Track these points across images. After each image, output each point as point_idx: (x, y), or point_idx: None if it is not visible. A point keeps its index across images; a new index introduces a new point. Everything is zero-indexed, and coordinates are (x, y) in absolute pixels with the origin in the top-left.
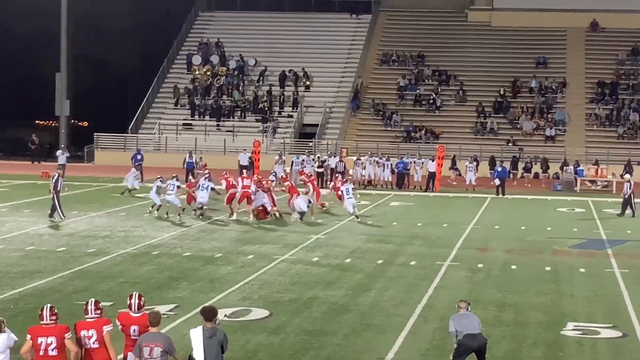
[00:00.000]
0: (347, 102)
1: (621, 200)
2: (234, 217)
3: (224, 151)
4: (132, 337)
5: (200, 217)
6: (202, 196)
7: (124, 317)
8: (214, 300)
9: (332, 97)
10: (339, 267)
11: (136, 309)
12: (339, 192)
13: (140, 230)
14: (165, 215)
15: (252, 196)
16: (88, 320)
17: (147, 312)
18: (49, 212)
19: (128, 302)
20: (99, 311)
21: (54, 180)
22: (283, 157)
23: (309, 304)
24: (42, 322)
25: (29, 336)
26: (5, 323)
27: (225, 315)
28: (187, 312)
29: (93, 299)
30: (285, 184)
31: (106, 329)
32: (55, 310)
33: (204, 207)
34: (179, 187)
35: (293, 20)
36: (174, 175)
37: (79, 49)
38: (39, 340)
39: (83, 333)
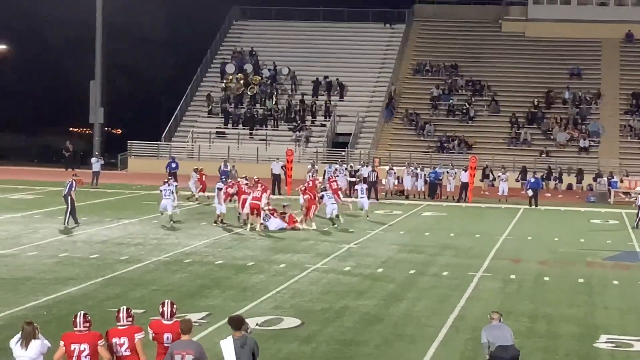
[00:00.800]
0: (380, 112)
1: None
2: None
3: (256, 160)
4: (165, 345)
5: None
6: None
7: (156, 325)
8: (245, 309)
9: (365, 106)
10: (371, 277)
11: (169, 317)
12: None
13: (172, 237)
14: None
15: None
16: (120, 327)
17: (179, 319)
18: (68, 218)
19: (160, 310)
20: (130, 319)
21: (67, 186)
22: (315, 166)
23: (341, 313)
24: (75, 329)
25: (62, 343)
26: (39, 329)
27: (257, 324)
28: (219, 320)
29: (125, 307)
30: (305, 196)
31: (138, 336)
32: (89, 317)
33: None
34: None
35: (327, 30)
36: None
37: (113, 57)
38: (72, 347)
39: (115, 340)
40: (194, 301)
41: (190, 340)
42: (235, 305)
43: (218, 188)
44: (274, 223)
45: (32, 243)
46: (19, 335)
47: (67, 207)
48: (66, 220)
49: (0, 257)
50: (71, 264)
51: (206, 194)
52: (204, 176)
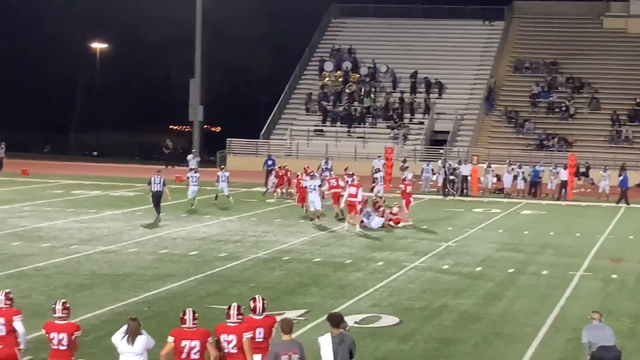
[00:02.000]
0: (479, 110)
1: None
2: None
3: (354, 157)
4: (257, 340)
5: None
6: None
7: (247, 320)
8: (343, 307)
9: (463, 104)
10: (470, 276)
11: (260, 312)
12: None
13: (271, 235)
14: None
15: (358, 207)
16: (229, 324)
17: (270, 314)
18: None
19: (252, 305)
20: (240, 316)
21: (161, 182)
22: (405, 164)
23: (439, 311)
24: (184, 326)
25: (171, 338)
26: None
27: (355, 322)
28: (317, 318)
29: (236, 304)
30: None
31: (246, 335)
32: (197, 315)
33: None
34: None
35: (425, 27)
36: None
37: (212, 55)
38: (183, 343)
39: (223, 337)
40: (292, 298)
41: (292, 340)
42: (333, 303)
43: (312, 186)
44: (376, 221)
45: (132, 240)
46: (122, 331)
47: (158, 203)
48: (156, 213)
49: (101, 254)
50: (171, 260)
51: (282, 189)
52: (288, 172)
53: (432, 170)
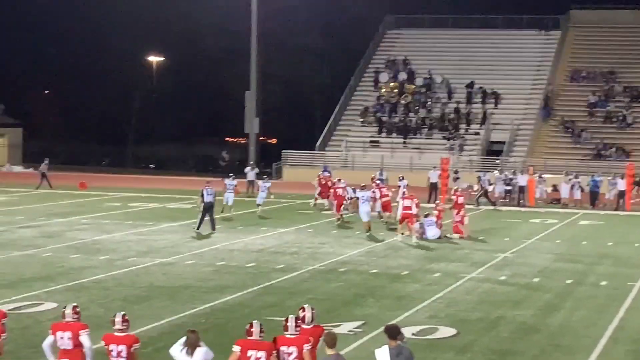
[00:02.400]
0: (535, 120)
1: None
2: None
3: (410, 168)
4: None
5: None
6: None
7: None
8: (400, 318)
9: (520, 114)
10: (527, 287)
11: (310, 322)
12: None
13: (327, 247)
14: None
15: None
16: (288, 336)
17: (318, 325)
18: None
19: (301, 315)
20: (299, 328)
21: (212, 194)
22: (457, 174)
23: (497, 323)
24: (250, 338)
25: (237, 348)
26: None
27: (412, 334)
28: (374, 330)
29: (293, 316)
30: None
31: (306, 347)
32: (264, 328)
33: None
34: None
35: (480, 37)
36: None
37: (268, 67)
38: (249, 353)
39: (283, 349)
40: (349, 310)
41: (338, 354)
42: (391, 315)
43: (364, 197)
44: (433, 232)
45: (190, 252)
46: (181, 343)
47: (203, 214)
48: (198, 225)
49: (159, 266)
50: (228, 272)
51: (323, 200)
52: (328, 182)
53: (489, 180)
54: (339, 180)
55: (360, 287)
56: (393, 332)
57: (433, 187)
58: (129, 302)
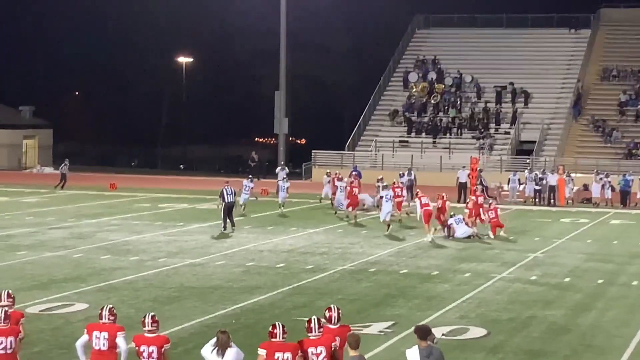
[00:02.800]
0: (565, 119)
1: None
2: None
3: (440, 169)
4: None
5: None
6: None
7: (324, 331)
8: (431, 318)
9: (550, 113)
10: (558, 287)
11: (336, 321)
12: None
13: (357, 247)
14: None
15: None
16: (313, 338)
17: (345, 325)
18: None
19: (327, 315)
20: (322, 329)
21: (232, 193)
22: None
23: (528, 323)
24: (274, 340)
25: (264, 352)
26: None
27: (442, 334)
28: (404, 330)
29: (316, 317)
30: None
31: (333, 345)
32: (286, 329)
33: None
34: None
35: (510, 36)
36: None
37: (297, 67)
38: (276, 355)
39: (311, 350)
40: (379, 310)
41: (361, 356)
42: (421, 315)
43: (388, 196)
44: (463, 230)
45: (220, 252)
46: (211, 344)
47: (225, 213)
48: (224, 225)
49: (189, 267)
50: (258, 272)
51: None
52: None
53: (519, 180)
54: (381, 179)
55: (390, 287)
56: (424, 333)
57: (462, 186)
58: (159, 303)
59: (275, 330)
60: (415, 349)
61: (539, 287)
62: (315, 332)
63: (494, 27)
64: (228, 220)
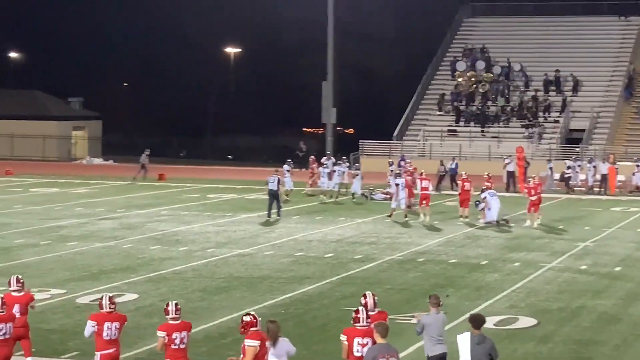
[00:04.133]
0: (615, 107)
1: None
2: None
3: (488, 157)
4: None
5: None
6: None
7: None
8: (480, 308)
9: (600, 101)
10: (608, 276)
11: (373, 307)
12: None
13: (405, 237)
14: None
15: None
16: (359, 328)
17: (382, 310)
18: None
19: (363, 302)
20: (369, 320)
21: (275, 182)
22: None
23: (578, 313)
24: (357, 325)
25: (344, 337)
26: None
27: (493, 324)
28: (453, 320)
29: (363, 308)
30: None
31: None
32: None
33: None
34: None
35: (559, 24)
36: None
37: (344, 56)
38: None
39: (357, 340)
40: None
41: (389, 344)
42: (470, 305)
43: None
44: (497, 205)
45: (268, 242)
46: None
47: (272, 200)
48: (269, 213)
49: (238, 257)
50: (306, 263)
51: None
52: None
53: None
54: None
55: (439, 277)
56: (478, 322)
57: (510, 175)
58: (208, 293)
59: (359, 316)
60: (467, 334)
61: (589, 276)
62: (362, 322)
63: (542, 15)
64: (273, 208)
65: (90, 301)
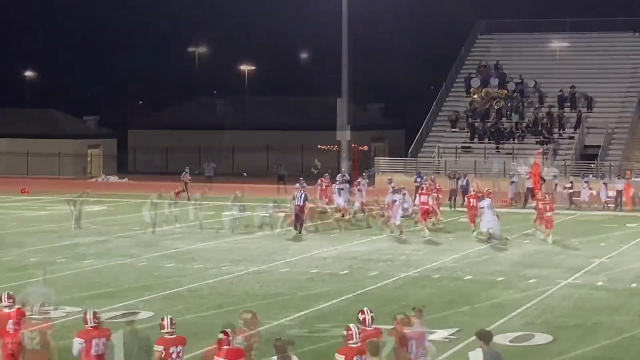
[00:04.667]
0: (630, 123)
1: None
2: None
3: (503, 174)
4: None
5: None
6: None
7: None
8: (495, 325)
9: (614, 118)
10: (625, 292)
11: (370, 324)
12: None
13: (421, 253)
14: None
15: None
16: (352, 346)
17: (378, 327)
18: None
19: (361, 318)
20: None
21: (302, 197)
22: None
23: (594, 329)
24: (350, 343)
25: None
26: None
27: (508, 341)
28: (468, 337)
29: (355, 325)
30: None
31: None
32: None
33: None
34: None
35: (573, 41)
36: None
37: (359, 72)
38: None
39: (356, 359)
40: (443, 317)
41: None
42: (485, 321)
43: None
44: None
45: (283, 260)
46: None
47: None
48: (301, 229)
49: (254, 274)
50: (322, 280)
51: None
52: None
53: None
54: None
55: (455, 293)
56: (487, 337)
57: (529, 191)
58: (224, 311)
59: (350, 332)
60: (479, 351)
61: (605, 293)
62: (355, 338)
63: (556, 31)
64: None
65: (106, 319)
